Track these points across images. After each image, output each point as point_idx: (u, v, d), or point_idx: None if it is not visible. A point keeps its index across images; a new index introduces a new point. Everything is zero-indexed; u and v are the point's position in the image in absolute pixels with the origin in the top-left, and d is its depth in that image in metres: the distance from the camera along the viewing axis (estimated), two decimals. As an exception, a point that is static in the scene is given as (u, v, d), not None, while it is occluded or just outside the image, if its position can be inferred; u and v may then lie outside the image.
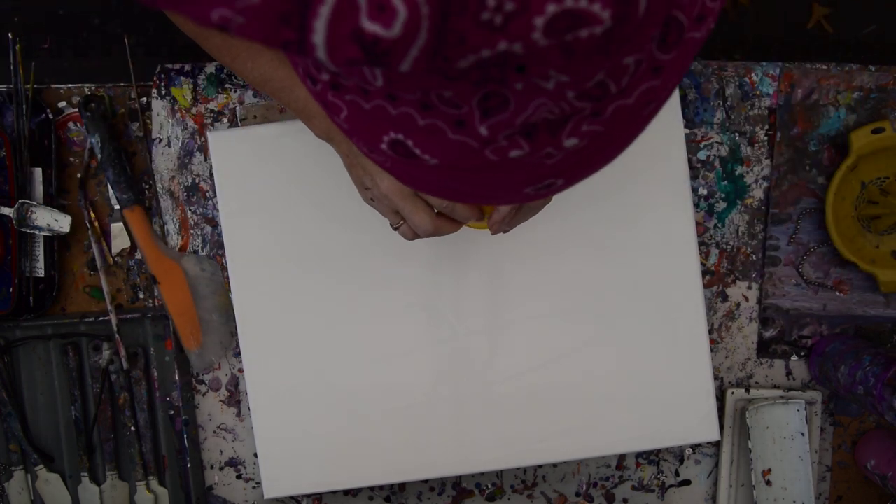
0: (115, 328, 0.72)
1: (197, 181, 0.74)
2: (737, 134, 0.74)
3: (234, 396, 0.76)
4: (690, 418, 0.71)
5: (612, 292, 0.70)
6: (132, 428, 0.74)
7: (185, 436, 0.74)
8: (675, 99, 0.69)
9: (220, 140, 0.70)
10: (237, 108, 0.73)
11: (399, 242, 0.64)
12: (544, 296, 0.70)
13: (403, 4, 0.21)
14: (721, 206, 0.75)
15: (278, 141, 0.69)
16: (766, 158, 0.75)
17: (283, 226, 0.70)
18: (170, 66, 0.73)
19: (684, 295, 0.70)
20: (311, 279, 0.70)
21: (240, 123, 0.73)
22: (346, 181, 0.56)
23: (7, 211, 0.70)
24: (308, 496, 0.77)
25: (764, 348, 0.76)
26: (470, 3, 0.22)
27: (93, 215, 0.74)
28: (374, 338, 0.71)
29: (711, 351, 0.75)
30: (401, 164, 0.33)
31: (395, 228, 0.54)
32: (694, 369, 0.71)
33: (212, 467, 0.76)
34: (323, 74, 0.32)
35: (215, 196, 0.74)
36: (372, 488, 0.77)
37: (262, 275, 0.70)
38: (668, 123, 0.69)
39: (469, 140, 0.29)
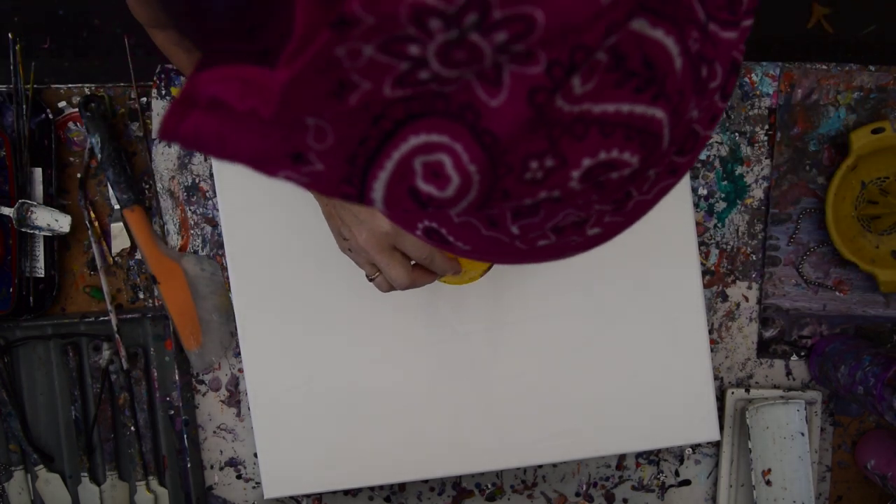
0: (115, 328, 0.72)
1: (197, 181, 0.74)
2: (737, 134, 0.74)
3: (234, 396, 0.76)
4: (691, 418, 0.71)
5: (612, 293, 0.70)
6: (132, 428, 0.74)
7: (185, 436, 0.74)
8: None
9: None
10: (237, 108, 0.73)
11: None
12: (544, 296, 0.70)
13: (457, 173, 0.23)
14: (721, 206, 0.75)
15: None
16: (766, 158, 0.75)
17: (284, 226, 0.70)
18: (170, 65, 0.73)
19: (685, 295, 0.70)
20: (312, 279, 0.70)
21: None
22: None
23: (7, 211, 0.70)
24: (308, 496, 0.77)
25: (764, 348, 0.76)
26: (515, 167, 0.24)
27: (93, 215, 0.74)
28: (374, 338, 0.71)
29: (711, 351, 0.75)
30: (433, 243, 0.35)
31: (371, 280, 0.55)
32: (694, 369, 0.71)
33: (212, 467, 0.76)
34: None
35: (215, 196, 0.74)
36: (372, 488, 0.77)
37: (262, 275, 0.70)
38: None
39: (501, 236, 0.31)
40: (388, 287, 0.54)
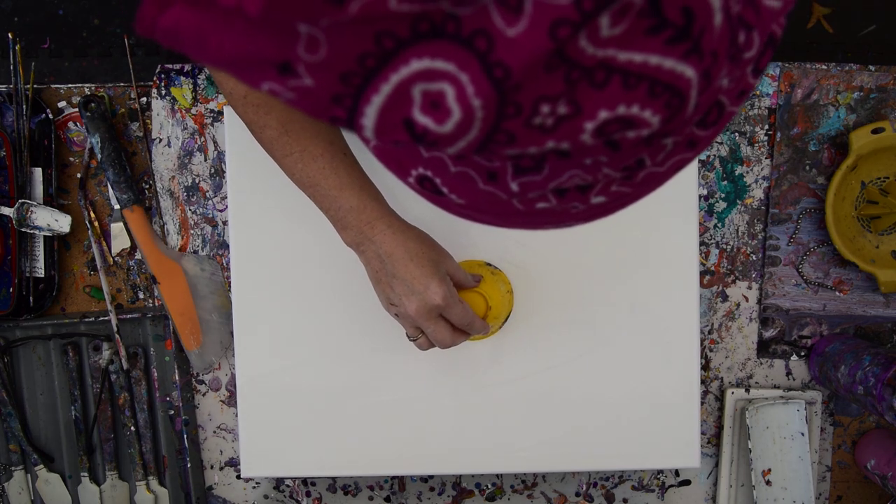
0: (115, 328, 0.72)
1: (197, 181, 0.74)
2: (737, 134, 0.74)
3: (234, 396, 0.75)
4: (674, 443, 0.69)
5: (610, 313, 0.68)
6: (132, 428, 0.74)
7: (185, 436, 0.74)
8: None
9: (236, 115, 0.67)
10: (237, 108, 0.73)
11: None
12: (542, 303, 0.70)
13: (459, 106, 0.21)
14: (721, 206, 0.75)
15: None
16: (766, 158, 0.75)
17: (290, 225, 0.69)
18: (170, 66, 0.73)
19: (680, 322, 0.68)
20: (313, 275, 0.70)
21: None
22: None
23: (7, 211, 0.70)
24: (308, 496, 0.77)
25: (764, 348, 0.76)
26: (525, 108, 0.22)
27: (93, 215, 0.74)
28: (373, 338, 0.70)
29: (711, 351, 0.75)
30: (426, 195, 0.33)
31: (412, 340, 0.58)
32: (682, 396, 0.68)
33: (212, 467, 0.76)
34: None
35: (215, 196, 0.74)
36: (371, 488, 0.77)
37: (264, 273, 0.69)
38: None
39: (498, 192, 0.29)
40: (429, 346, 0.58)
